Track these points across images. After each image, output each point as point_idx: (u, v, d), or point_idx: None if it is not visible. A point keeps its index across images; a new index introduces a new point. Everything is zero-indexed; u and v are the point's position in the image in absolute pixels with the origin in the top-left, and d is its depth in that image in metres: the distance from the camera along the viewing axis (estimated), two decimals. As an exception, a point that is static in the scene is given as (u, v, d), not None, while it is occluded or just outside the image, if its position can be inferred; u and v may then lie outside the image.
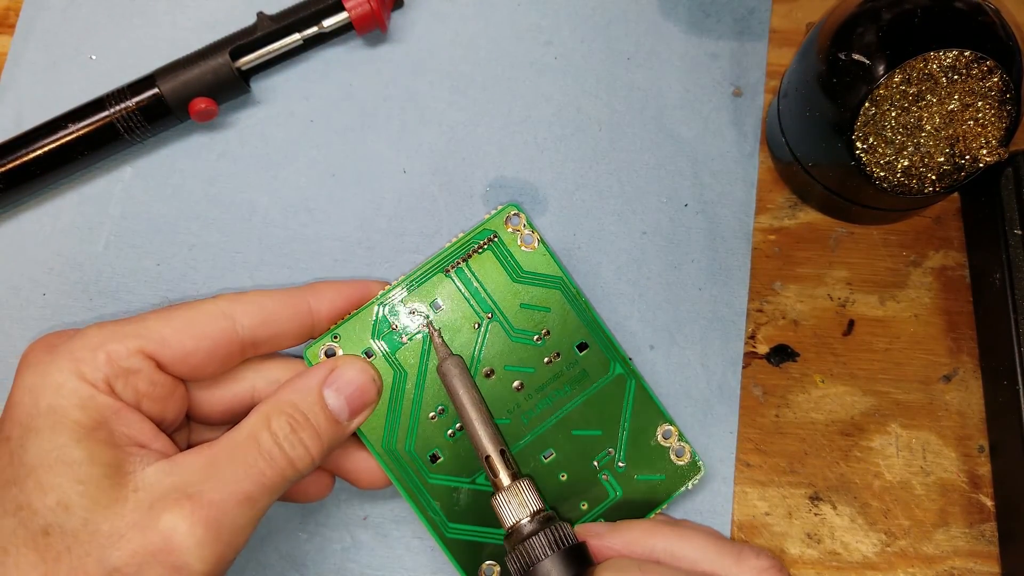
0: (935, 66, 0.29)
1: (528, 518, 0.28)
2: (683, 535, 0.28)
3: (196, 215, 0.36)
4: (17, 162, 0.35)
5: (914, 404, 0.35)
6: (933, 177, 0.31)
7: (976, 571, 0.33)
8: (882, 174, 0.31)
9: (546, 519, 0.28)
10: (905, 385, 0.35)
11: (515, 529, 0.28)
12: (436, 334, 0.31)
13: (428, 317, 0.31)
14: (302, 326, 0.28)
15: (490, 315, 0.31)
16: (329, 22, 0.36)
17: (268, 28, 0.36)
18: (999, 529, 0.33)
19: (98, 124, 0.35)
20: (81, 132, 0.35)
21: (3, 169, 0.35)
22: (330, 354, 0.30)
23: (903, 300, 0.36)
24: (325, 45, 0.38)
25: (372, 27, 0.36)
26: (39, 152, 0.35)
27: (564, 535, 0.28)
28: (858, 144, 0.30)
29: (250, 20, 0.36)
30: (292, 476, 0.25)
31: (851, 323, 0.36)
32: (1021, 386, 0.32)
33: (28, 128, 0.35)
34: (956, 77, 0.29)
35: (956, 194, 0.37)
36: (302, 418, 0.25)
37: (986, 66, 0.29)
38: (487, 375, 0.31)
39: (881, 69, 0.29)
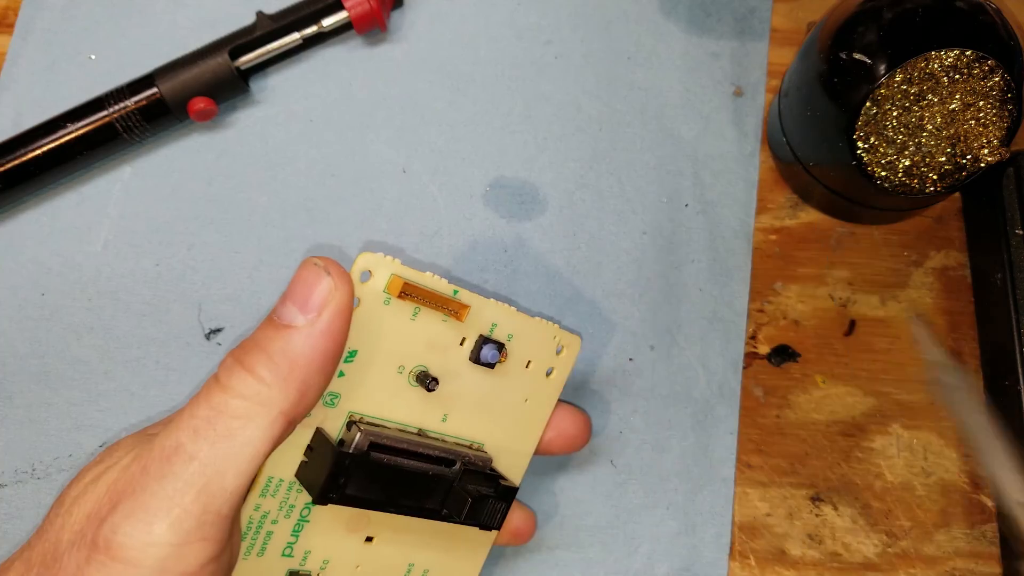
0: (936, 65, 0.29)
1: None
2: None
3: (195, 215, 0.36)
4: (16, 162, 0.34)
5: (915, 404, 0.35)
6: (934, 177, 0.31)
7: (977, 572, 0.33)
8: (883, 174, 0.31)
9: None
10: (906, 385, 0.35)
11: None
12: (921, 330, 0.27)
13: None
14: None
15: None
16: (328, 21, 0.36)
17: (267, 27, 0.35)
18: (1000, 530, 0.33)
19: (97, 124, 0.35)
20: (80, 132, 0.35)
21: (2, 169, 0.34)
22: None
23: (904, 300, 0.36)
24: (324, 44, 0.38)
25: (372, 26, 0.36)
26: (38, 152, 0.35)
27: None
28: (859, 144, 0.30)
29: (249, 19, 0.36)
30: None
31: (852, 323, 0.36)
32: (1022, 386, 0.32)
33: (27, 128, 0.35)
34: (957, 77, 0.29)
35: (957, 194, 0.37)
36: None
37: (987, 66, 0.29)
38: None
39: (882, 68, 0.29)
